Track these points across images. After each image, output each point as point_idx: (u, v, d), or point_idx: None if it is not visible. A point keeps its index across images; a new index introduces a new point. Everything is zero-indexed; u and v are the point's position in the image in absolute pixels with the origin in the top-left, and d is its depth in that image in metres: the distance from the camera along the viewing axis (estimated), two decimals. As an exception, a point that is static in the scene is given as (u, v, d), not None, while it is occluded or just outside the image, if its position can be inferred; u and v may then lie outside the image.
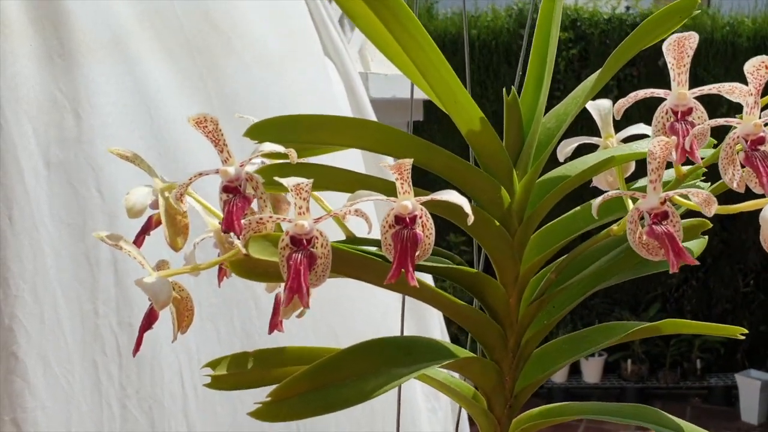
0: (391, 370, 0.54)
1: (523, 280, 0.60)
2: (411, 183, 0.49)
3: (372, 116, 1.69)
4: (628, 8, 5.15)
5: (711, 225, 0.60)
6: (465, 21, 0.76)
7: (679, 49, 0.54)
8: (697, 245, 0.63)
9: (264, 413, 0.53)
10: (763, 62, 0.51)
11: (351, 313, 1.36)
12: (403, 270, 0.47)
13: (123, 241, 0.57)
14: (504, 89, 0.60)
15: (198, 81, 1.29)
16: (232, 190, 0.52)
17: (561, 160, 0.63)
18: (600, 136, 0.63)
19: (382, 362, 0.55)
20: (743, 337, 0.59)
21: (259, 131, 0.55)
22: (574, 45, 4.78)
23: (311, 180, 0.49)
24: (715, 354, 5.01)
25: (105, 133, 1.13)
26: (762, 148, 0.51)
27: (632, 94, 0.56)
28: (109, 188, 1.10)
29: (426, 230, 0.48)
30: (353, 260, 0.53)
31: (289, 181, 0.49)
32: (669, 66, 0.54)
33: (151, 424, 1.08)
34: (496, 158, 0.59)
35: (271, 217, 0.52)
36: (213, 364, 0.63)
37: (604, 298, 4.98)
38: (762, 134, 0.51)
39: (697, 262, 0.51)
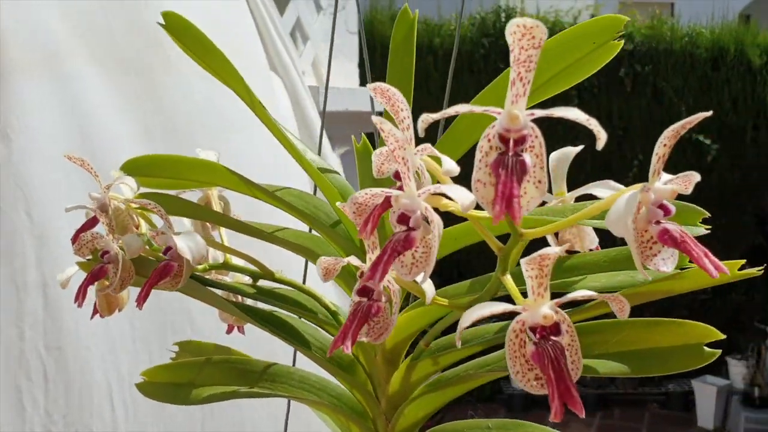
0: (237, 387, 0.61)
1: (393, 340, 0.58)
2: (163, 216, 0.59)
3: (318, 128, 1.69)
4: (593, 17, 5.18)
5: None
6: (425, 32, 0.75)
7: (388, 102, 0.45)
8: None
9: (143, 388, 0.64)
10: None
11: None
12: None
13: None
14: (353, 137, 0.59)
15: (134, 98, 1.28)
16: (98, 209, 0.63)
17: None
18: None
19: (237, 378, 0.62)
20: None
21: (132, 167, 0.62)
22: (536, 54, 4.81)
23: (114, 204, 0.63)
24: (673, 360, 5.07)
25: (36, 154, 1.11)
26: (522, 152, 0.39)
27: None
28: (39, 210, 1.08)
29: (182, 269, 0.59)
30: (147, 264, 0.63)
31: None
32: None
33: (79, 449, 1.06)
34: (336, 201, 0.59)
35: (102, 234, 0.63)
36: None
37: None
38: (523, 131, 0.39)
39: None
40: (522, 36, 0.39)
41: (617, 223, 0.40)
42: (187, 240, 0.59)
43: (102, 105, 1.23)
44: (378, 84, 0.45)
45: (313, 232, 0.66)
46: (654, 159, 0.41)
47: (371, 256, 0.47)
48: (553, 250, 0.40)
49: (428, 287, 0.48)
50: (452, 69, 0.70)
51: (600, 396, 4.93)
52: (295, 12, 1.95)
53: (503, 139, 0.40)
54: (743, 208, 5.02)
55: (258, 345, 0.93)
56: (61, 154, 1.14)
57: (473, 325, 0.58)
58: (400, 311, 0.58)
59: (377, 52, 4.82)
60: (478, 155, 0.40)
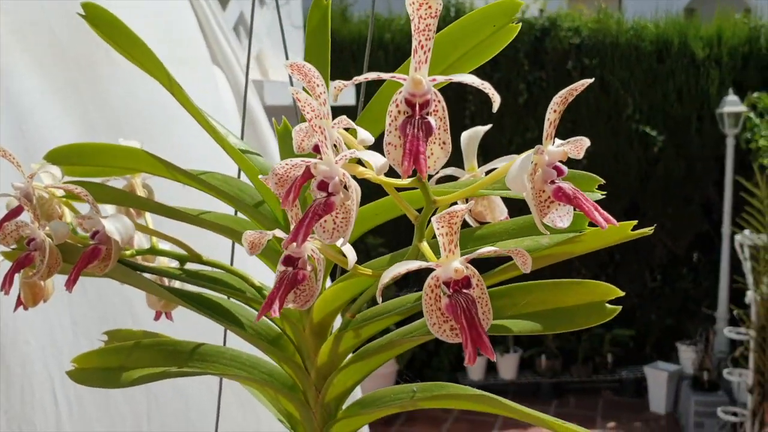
0: (168, 367, 0.62)
1: (320, 314, 0.60)
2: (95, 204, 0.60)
3: (263, 122, 1.70)
4: (541, 11, 5.22)
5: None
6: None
7: (305, 78, 0.47)
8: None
9: (74, 375, 0.65)
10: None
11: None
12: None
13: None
14: (273, 119, 0.61)
15: (74, 93, 1.27)
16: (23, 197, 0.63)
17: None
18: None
19: (166, 359, 0.63)
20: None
21: (56, 156, 0.62)
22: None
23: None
24: (625, 348, 5.18)
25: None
26: (427, 115, 0.43)
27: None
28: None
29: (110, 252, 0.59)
30: (76, 251, 0.63)
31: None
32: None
33: (20, 444, 1.06)
34: (261, 185, 0.61)
35: (26, 222, 0.62)
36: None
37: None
38: (427, 95, 0.43)
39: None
40: (420, 6, 0.42)
41: (515, 180, 0.44)
42: (114, 222, 0.60)
43: (41, 100, 1.22)
44: (294, 61, 0.48)
45: (239, 214, 0.67)
46: (546, 124, 0.44)
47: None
48: (460, 207, 0.43)
49: (350, 253, 0.50)
50: (367, 61, 0.72)
51: (555, 385, 5.01)
52: (237, 7, 1.96)
53: (409, 104, 0.43)
54: (689, 197, 5.14)
55: (203, 333, 0.94)
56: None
57: (395, 295, 0.60)
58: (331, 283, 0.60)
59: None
60: (387, 120, 0.43)
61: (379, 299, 0.46)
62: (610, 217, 0.44)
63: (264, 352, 0.63)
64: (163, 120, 1.38)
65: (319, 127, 0.45)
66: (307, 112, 0.45)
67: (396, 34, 4.90)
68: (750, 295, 3.99)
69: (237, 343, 0.71)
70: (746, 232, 4.08)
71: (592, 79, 0.44)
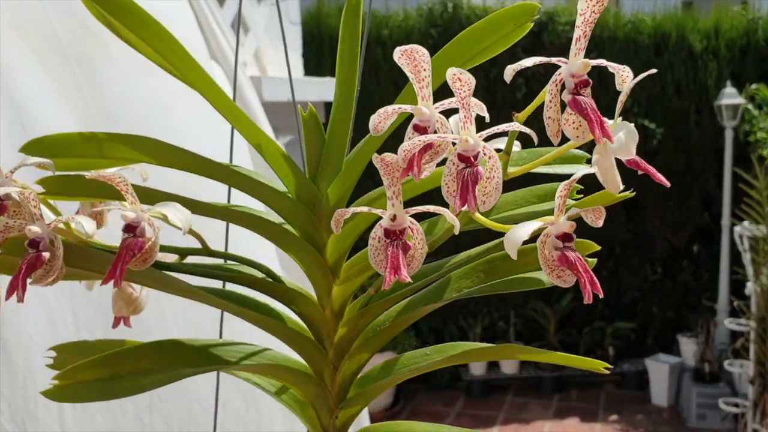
0: (177, 368, 0.59)
1: (342, 295, 0.61)
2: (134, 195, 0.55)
3: (262, 118, 1.70)
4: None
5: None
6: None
7: (412, 63, 0.52)
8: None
9: (53, 394, 0.56)
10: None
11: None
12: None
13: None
14: (299, 107, 0.62)
15: (75, 89, 1.28)
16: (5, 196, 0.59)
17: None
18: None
19: (171, 360, 0.60)
20: (606, 371, 0.57)
21: (35, 147, 0.58)
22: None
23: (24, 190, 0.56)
24: (627, 341, 5.20)
25: (-28, 145, 1.11)
26: (585, 93, 0.50)
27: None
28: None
29: (152, 245, 0.55)
30: (85, 254, 0.59)
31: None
32: (410, 79, 0.52)
33: (24, 437, 1.07)
34: (281, 166, 0.61)
35: (13, 223, 0.58)
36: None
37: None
38: (585, 77, 0.50)
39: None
40: (596, 2, 0.49)
41: (624, 148, 0.51)
42: (174, 210, 0.55)
43: (41, 95, 1.23)
44: (410, 46, 0.52)
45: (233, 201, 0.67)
46: (618, 104, 0.51)
47: (394, 202, 0.52)
48: (578, 177, 0.51)
49: (455, 221, 0.54)
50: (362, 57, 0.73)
51: (557, 379, 5.02)
52: (234, 4, 1.96)
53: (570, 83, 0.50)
54: (689, 190, 5.14)
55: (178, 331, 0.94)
56: (-3, 146, 1.15)
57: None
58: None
59: (325, 44, 4.83)
60: (548, 97, 0.51)
61: (515, 256, 0.50)
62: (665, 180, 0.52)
63: (284, 341, 0.63)
64: (163, 117, 1.40)
65: (468, 104, 0.50)
66: (464, 91, 0.49)
67: (394, 31, 4.90)
68: (750, 287, 4.00)
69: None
70: (745, 223, 4.09)
71: (655, 70, 0.53)
